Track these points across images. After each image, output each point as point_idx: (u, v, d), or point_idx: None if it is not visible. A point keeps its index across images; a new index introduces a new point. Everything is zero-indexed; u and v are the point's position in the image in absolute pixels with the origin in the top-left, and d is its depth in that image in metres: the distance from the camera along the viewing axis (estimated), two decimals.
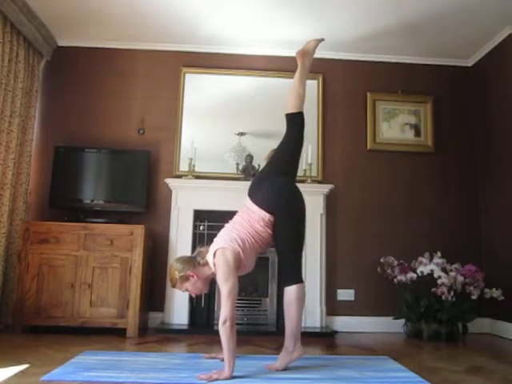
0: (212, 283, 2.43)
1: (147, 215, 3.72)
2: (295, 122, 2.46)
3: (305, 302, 2.33)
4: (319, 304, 3.59)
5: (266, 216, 2.29)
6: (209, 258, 2.26)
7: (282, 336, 2.34)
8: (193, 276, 2.29)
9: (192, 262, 2.32)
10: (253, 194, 2.37)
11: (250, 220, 2.30)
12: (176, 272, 2.30)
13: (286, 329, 2.30)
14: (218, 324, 2.11)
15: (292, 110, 2.46)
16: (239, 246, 2.22)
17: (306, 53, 2.57)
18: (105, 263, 3.21)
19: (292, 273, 2.30)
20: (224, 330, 2.07)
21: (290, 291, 2.27)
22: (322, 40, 2.65)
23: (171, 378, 2.09)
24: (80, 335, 3.07)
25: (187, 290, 2.35)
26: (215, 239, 2.31)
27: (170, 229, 3.66)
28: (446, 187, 3.98)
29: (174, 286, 2.35)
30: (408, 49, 4.00)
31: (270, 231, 2.32)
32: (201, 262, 2.31)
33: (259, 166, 3.73)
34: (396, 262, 3.55)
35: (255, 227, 2.29)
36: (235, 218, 2.38)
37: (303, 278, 2.34)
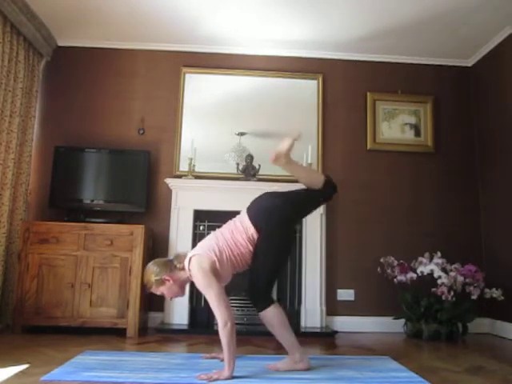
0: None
1: (147, 215, 3.72)
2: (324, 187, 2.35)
3: (285, 315, 2.27)
4: (319, 304, 3.59)
5: (251, 229, 2.24)
6: (186, 263, 2.25)
7: None
8: (169, 280, 2.27)
9: (169, 265, 2.30)
10: (249, 207, 2.35)
11: (233, 231, 2.27)
12: (152, 275, 2.27)
13: (282, 344, 2.29)
14: (218, 324, 2.10)
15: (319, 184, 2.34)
16: (216, 255, 2.20)
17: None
18: (105, 263, 3.21)
19: (263, 294, 2.25)
20: (225, 332, 2.07)
21: (267, 314, 2.23)
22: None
23: (171, 378, 2.09)
24: (80, 335, 3.07)
25: (162, 294, 2.32)
26: (197, 245, 2.32)
27: (170, 229, 3.66)
28: (446, 187, 3.98)
29: (149, 289, 2.31)
30: (408, 49, 4.00)
31: (251, 248, 2.26)
32: (178, 266, 2.29)
33: (259, 166, 3.73)
34: (396, 262, 3.55)
35: (237, 239, 2.25)
36: (223, 226, 2.36)
37: (273, 298, 2.31)
